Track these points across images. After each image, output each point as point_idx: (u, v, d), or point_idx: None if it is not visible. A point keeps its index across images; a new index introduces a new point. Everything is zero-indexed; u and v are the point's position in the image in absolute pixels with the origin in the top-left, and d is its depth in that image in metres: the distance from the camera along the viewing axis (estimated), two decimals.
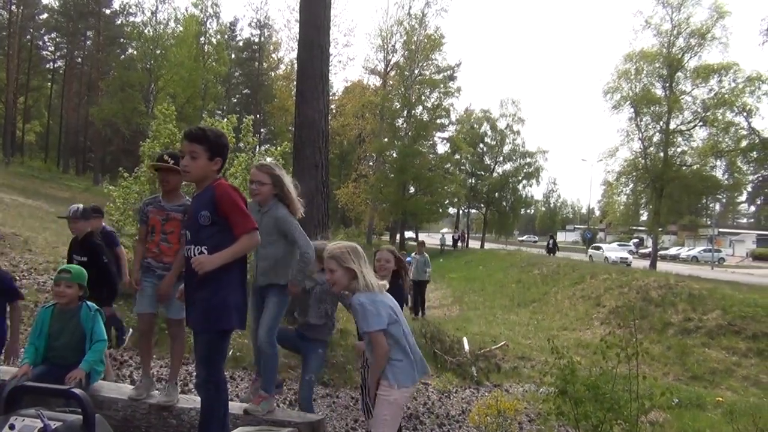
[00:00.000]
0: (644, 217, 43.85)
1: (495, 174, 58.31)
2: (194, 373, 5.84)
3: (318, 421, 4.42)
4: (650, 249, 42.13)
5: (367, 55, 77.23)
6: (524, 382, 9.21)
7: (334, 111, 49.06)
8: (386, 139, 51.78)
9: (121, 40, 56.85)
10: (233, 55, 64.72)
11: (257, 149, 13.12)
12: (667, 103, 34.44)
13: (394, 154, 51.47)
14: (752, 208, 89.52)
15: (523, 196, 59.72)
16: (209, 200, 3.48)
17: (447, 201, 56.12)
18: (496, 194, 58.32)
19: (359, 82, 56.25)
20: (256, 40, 67.25)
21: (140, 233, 4.66)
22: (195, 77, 49.91)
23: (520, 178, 57.70)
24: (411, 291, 14.44)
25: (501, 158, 58.13)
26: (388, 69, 53.30)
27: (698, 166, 34.96)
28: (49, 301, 5.78)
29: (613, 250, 44.11)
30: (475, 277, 31.26)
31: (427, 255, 16.44)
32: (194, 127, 3.66)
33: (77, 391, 2.57)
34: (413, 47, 50.30)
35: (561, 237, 50.49)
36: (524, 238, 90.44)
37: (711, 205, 51.91)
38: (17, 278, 10.02)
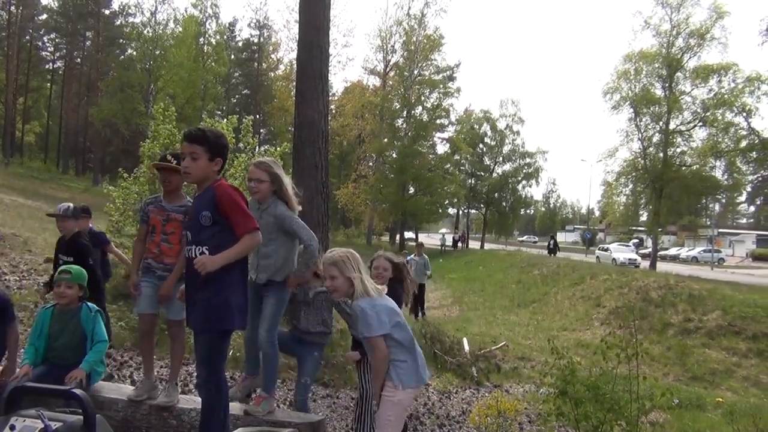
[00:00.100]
0: (644, 218, 43.84)
1: (495, 174, 58.31)
2: (194, 374, 5.84)
3: (318, 421, 4.43)
4: (650, 249, 42.05)
5: (367, 55, 77.43)
6: (524, 383, 9.20)
7: (333, 111, 49.08)
8: (386, 140, 51.81)
9: (121, 40, 56.85)
10: (233, 56, 64.74)
11: (257, 150, 13.10)
12: (666, 103, 34.46)
13: (394, 155, 51.52)
14: (752, 209, 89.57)
15: (523, 196, 59.74)
16: (210, 201, 3.48)
17: (447, 201, 56.16)
18: (496, 194, 58.30)
19: (359, 82, 56.35)
20: (256, 40, 67.28)
21: (140, 233, 4.64)
22: (194, 78, 49.91)
23: (519, 178, 57.70)
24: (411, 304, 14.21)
25: (501, 158, 58.14)
26: (388, 69, 53.33)
27: (698, 166, 34.97)
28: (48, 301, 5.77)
29: (621, 252, 43.51)
30: (475, 277, 31.26)
31: (426, 257, 16.07)
32: (194, 128, 3.66)
33: (78, 391, 2.56)
34: (412, 47, 50.34)
35: (561, 237, 50.52)
36: (524, 238, 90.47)
37: (711, 206, 52.02)
38: (18, 278, 10.01)
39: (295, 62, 18.16)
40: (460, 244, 53.95)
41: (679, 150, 35.78)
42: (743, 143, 33.75)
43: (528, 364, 10.74)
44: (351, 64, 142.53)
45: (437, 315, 19.28)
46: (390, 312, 3.50)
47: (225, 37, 61.15)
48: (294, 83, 28.31)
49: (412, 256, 15.78)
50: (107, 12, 57.16)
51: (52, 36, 61.65)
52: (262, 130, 62.09)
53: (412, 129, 51.14)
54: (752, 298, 16.77)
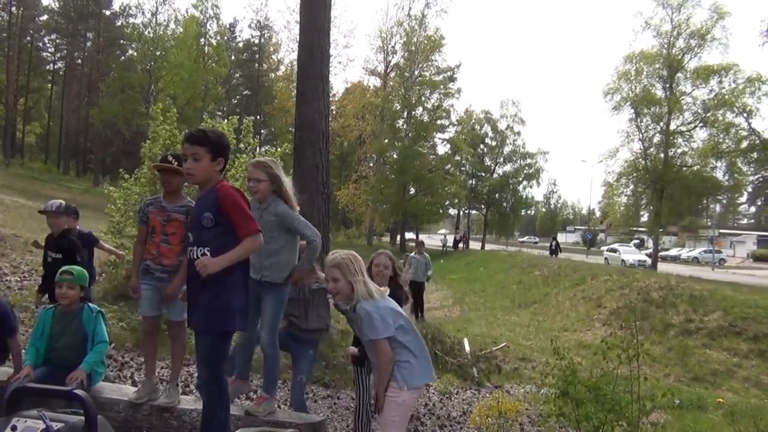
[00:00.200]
0: (645, 218, 43.78)
1: (495, 175, 58.27)
2: (195, 374, 5.85)
3: (319, 422, 4.43)
4: (651, 250, 41.99)
5: (367, 56, 77.24)
6: (525, 384, 9.21)
7: (334, 112, 49.06)
8: (386, 140, 51.80)
9: (121, 41, 56.95)
10: (233, 57, 64.80)
11: (257, 150, 13.12)
12: (667, 104, 34.43)
13: (395, 155, 51.52)
14: (753, 209, 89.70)
15: (524, 197, 59.70)
16: (212, 202, 3.49)
17: (447, 202, 56.16)
18: (497, 195, 58.26)
19: (359, 83, 56.32)
20: (256, 41, 67.37)
21: (140, 234, 4.63)
22: (195, 78, 49.96)
23: (520, 179, 57.66)
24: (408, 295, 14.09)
25: (501, 159, 58.08)
26: (388, 70, 53.33)
27: (699, 167, 34.91)
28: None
29: (630, 253, 43.14)
30: (476, 278, 31.27)
31: (427, 255, 15.59)
32: (195, 129, 3.67)
33: (79, 392, 2.56)
34: (413, 48, 50.34)
35: (561, 238, 50.53)
36: (525, 239, 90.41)
37: (711, 206, 51.88)
38: (19, 279, 10.02)
39: (295, 63, 18.15)
40: (461, 245, 53.95)
41: (679, 151, 35.75)
42: (744, 144, 33.70)
43: (529, 365, 10.74)
44: (351, 64, 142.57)
45: (438, 315, 19.28)
46: (393, 314, 3.51)
47: (226, 37, 61.21)
48: (294, 84, 28.30)
49: (413, 254, 15.55)
50: (108, 13, 57.25)
51: (53, 37, 61.73)
52: (262, 131, 62.14)
53: (413, 130, 51.14)
54: (753, 299, 16.76)
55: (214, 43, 55.59)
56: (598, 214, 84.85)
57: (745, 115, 32.97)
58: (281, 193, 4.36)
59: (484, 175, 58.87)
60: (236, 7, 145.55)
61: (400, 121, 52.60)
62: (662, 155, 35.05)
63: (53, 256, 5.49)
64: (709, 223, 53.02)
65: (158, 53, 50.35)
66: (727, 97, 32.97)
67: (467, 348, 10.03)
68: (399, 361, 3.48)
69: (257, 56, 67.36)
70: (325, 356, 7.93)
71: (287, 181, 4.44)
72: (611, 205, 42.61)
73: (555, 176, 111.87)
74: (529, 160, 57.52)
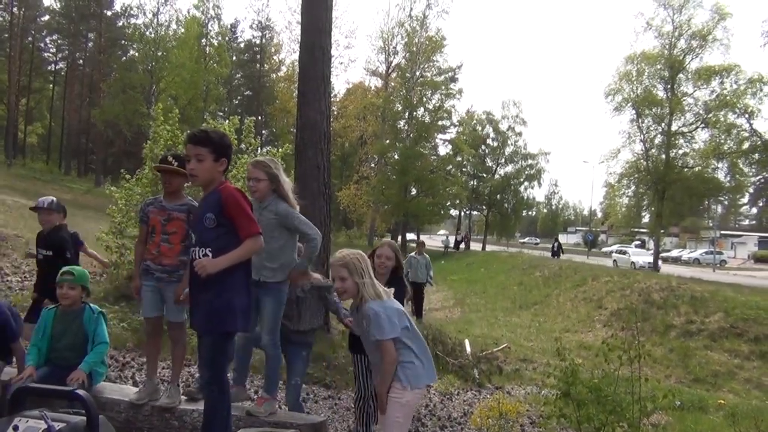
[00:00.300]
0: (646, 219, 43.75)
1: (497, 176, 58.19)
2: (196, 375, 5.85)
3: (320, 422, 4.43)
4: (652, 251, 41.92)
5: (369, 56, 77.31)
6: (526, 385, 9.20)
7: (335, 113, 49.04)
8: (388, 141, 51.79)
9: (123, 41, 56.96)
10: (234, 57, 64.77)
11: (259, 151, 13.15)
12: (668, 104, 34.45)
13: (396, 156, 51.50)
14: (754, 210, 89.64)
15: (525, 197, 59.62)
16: (215, 203, 3.50)
17: (448, 203, 56.09)
18: (498, 196, 58.20)
19: (360, 83, 56.32)
20: (258, 41, 67.38)
21: (141, 234, 4.65)
22: (196, 79, 49.96)
23: (521, 179, 57.59)
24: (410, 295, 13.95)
25: (503, 160, 58.00)
26: (390, 71, 53.33)
27: (700, 167, 34.92)
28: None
29: (640, 255, 42.33)
30: (477, 279, 31.26)
31: (428, 256, 15.23)
32: (197, 130, 3.68)
33: (81, 392, 2.57)
34: (414, 49, 50.33)
35: (562, 239, 50.29)
36: (526, 240, 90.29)
37: (713, 207, 51.89)
38: (20, 279, 10.04)
39: (296, 63, 18.17)
40: (462, 246, 53.92)
41: (681, 152, 35.77)
42: (745, 145, 33.70)
43: (530, 366, 10.75)
44: (353, 65, 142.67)
45: (439, 316, 19.27)
46: (399, 314, 3.52)
47: (227, 38, 61.17)
48: (296, 84, 28.26)
49: (413, 254, 15.35)
50: (109, 13, 57.35)
51: (55, 37, 61.75)
52: (263, 132, 62.16)
53: (414, 130, 51.11)
54: (754, 300, 16.75)
55: (216, 44, 55.55)
56: (599, 215, 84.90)
57: (746, 116, 33.00)
58: (280, 191, 4.37)
59: (485, 175, 58.79)
60: (237, 7, 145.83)
61: (402, 122, 52.58)
62: (664, 156, 35.06)
63: (44, 254, 5.48)
64: (711, 224, 53.02)
65: (160, 54, 50.36)
66: (728, 98, 32.98)
67: (468, 349, 10.03)
68: (403, 362, 3.49)
69: (258, 57, 67.36)
70: (326, 357, 7.93)
71: (286, 180, 4.45)
72: (612, 206, 42.60)
73: (556, 177, 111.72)
74: (530, 161, 57.46)
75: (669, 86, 34.87)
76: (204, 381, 3.63)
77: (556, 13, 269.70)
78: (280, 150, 11.08)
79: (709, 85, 34.02)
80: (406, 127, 52.29)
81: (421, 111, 52.05)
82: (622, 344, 4.92)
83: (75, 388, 3.14)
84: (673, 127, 34.93)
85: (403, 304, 3.94)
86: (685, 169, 35.14)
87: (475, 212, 67.66)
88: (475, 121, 58.63)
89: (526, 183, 58.01)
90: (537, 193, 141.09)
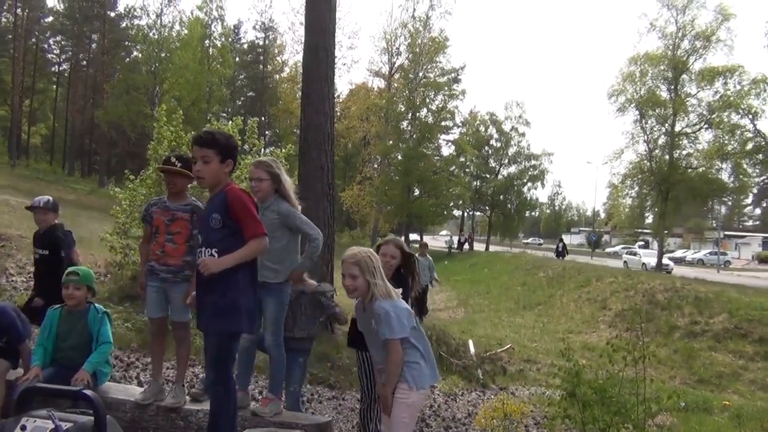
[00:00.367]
0: (649, 220, 43.62)
1: (500, 176, 58.17)
2: (200, 375, 5.86)
3: (325, 423, 4.43)
4: (656, 252, 41.76)
5: (372, 57, 77.25)
6: (530, 385, 9.21)
7: (338, 113, 49.05)
8: (391, 142, 51.80)
9: (126, 43, 57.02)
10: (238, 58, 64.77)
11: (262, 152, 13.15)
12: (672, 105, 34.36)
13: (399, 157, 51.51)
14: (758, 211, 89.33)
15: (528, 198, 59.69)
16: (221, 203, 3.50)
17: (452, 203, 56.06)
18: (501, 196, 58.23)
19: (364, 84, 56.26)
20: (261, 43, 67.38)
21: (145, 233, 4.67)
22: (200, 80, 49.98)
23: (525, 180, 57.61)
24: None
25: (506, 161, 58.02)
26: (393, 71, 53.33)
27: (704, 168, 34.83)
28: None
29: (652, 256, 40.70)
30: (480, 279, 31.25)
31: (431, 258, 15.60)
32: (203, 132, 3.69)
33: (89, 392, 2.58)
34: (417, 50, 50.34)
35: (566, 239, 50.10)
36: (529, 240, 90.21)
37: (717, 208, 51.83)
38: (25, 279, 10.05)
39: (299, 64, 18.22)
40: (465, 246, 53.88)
41: (685, 152, 35.68)
42: (749, 145, 33.61)
43: (534, 367, 10.74)
44: (356, 66, 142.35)
45: (443, 317, 19.26)
46: (408, 315, 3.53)
47: (230, 39, 61.17)
48: (299, 85, 28.29)
49: (416, 255, 15.24)
50: (113, 14, 57.34)
51: (58, 38, 61.79)
52: (267, 132, 62.14)
53: (417, 131, 51.14)
54: (759, 301, 16.73)
55: (219, 45, 55.55)
56: (602, 215, 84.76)
57: (750, 116, 32.93)
58: (282, 191, 4.37)
59: (488, 176, 58.74)
60: (241, 8, 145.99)
61: (405, 123, 52.61)
62: (667, 157, 34.98)
63: (40, 253, 5.47)
64: (714, 225, 52.88)
65: (163, 55, 50.34)
66: (732, 98, 32.91)
67: (472, 350, 10.04)
68: (409, 362, 3.49)
69: (262, 58, 67.37)
70: (331, 357, 7.94)
71: (288, 180, 4.45)
72: (616, 207, 42.41)
73: (559, 178, 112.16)
74: (533, 162, 57.41)
75: (672, 87, 34.80)
76: (210, 381, 3.63)
77: (559, 14, 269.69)
78: (283, 150, 11.07)
79: (713, 86, 33.95)
80: (409, 128, 52.32)
81: (424, 112, 52.09)
82: (627, 345, 4.91)
83: (81, 388, 3.15)
84: (677, 128, 34.86)
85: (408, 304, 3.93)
86: (689, 170, 35.06)
87: (478, 213, 67.59)
88: (478, 122, 58.62)
89: (529, 184, 58.06)
90: (540, 193, 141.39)
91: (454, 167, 54.53)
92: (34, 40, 57.52)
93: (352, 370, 7.52)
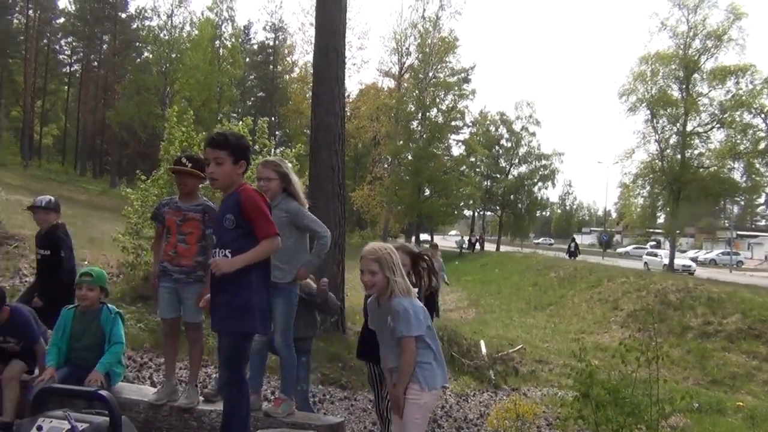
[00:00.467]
0: (661, 220, 43.41)
1: (510, 176, 58.03)
2: (213, 375, 5.87)
3: (338, 423, 4.43)
4: (667, 252, 41.48)
5: (382, 57, 77.41)
6: (542, 386, 9.17)
7: (348, 113, 49.07)
8: (401, 142, 51.82)
9: (137, 43, 57.35)
10: (248, 59, 64.95)
11: (273, 152, 13.16)
12: (683, 104, 34.22)
13: (409, 157, 51.53)
14: None
15: (539, 198, 59.50)
16: (235, 204, 3.50)
17: (462, 203, 55.99)
18: (512, 196, 58.07)
19: (374, 84, 56.30)
20: (271, 43, 67.54)
21: (157, 232, 4.69)
22: (210, 80, 50.19)
23: (535, 180, 57.43)
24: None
25: (516, 160, 57.86)
26: (403, 71, 53.35)
27: (716, 168, 34.67)
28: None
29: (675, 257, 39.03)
30: (491, 279, 31.19)
31: (441, 259, 15.37)
32: (215, 133, 3.69)
33: (104, 393, 2.59)
34: (427, 50, 50.36)
35: (577, 239, 49.77)
36: (540, 240, 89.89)
37: (729, 208, 51.49)
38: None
39: (309, 65, 18.24)
40: (476, 246, 53.84)
41: (696, 152, 35.53)
42: (762, 145, 33.48)
43: (546, 367, 10.71)
44: (366, 66, 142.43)
45: (454, 317, 19.23)
46: (425, 313, 3.54)
47: (240, 40, 61.35)
48: (309, 86, 28.32)
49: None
50: (124, 16, 57.68)
51: (70, 39, 62.15)
52: (277, 132, 62.26)
53: (427, 131, 51.14)
54: None
55: (229, 45, 55.74)
56: (613, 215, 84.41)
57: (762, 115, 32.80)
58: (290, 190, 4.38)
59: (499, 176, 58.60)
60: (251, 9, 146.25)
61: (415, 123, 52.63)
62: (679, 156, 34.85)
63: (42, 253, 5.47)
64: (727, 225, 52.53)
65: (174, 55, 50.57)
66: (744, 97, 32.77)
67: (484, 350, 10.02)
68: (421, 362, 3.48)
69: (272, 58, 67.53)
70: (342, 358, 7.95)
71: (295, 179, 4.46)
72: (627, 207, 42.23)
73: (570, 177, 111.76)
74: (544, 162, 57.23)
75: (684, 86, 34.64)
76: (223, 382, 3.63)
77: (570, 14, 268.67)
78: (293, 150, 11.10)
79: (725, 85, 33.82)
80: (419, 128, 52.34)
81: (434, 112, 52.11)
82: (640, 346, 4.89)
83: (96, 388, 3.17)
84: (689, 128, 34.71)
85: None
86: (701, 170, 34.89)
87: (488, 213, 67.49)
88: (488, 122, 58.49)
89: (540, 183, 57.89)
90: (551, 193, 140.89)
91: (464, 167, 54.46)
92: (45, 41, 57.85)
93: (363, 371, 7.50)
